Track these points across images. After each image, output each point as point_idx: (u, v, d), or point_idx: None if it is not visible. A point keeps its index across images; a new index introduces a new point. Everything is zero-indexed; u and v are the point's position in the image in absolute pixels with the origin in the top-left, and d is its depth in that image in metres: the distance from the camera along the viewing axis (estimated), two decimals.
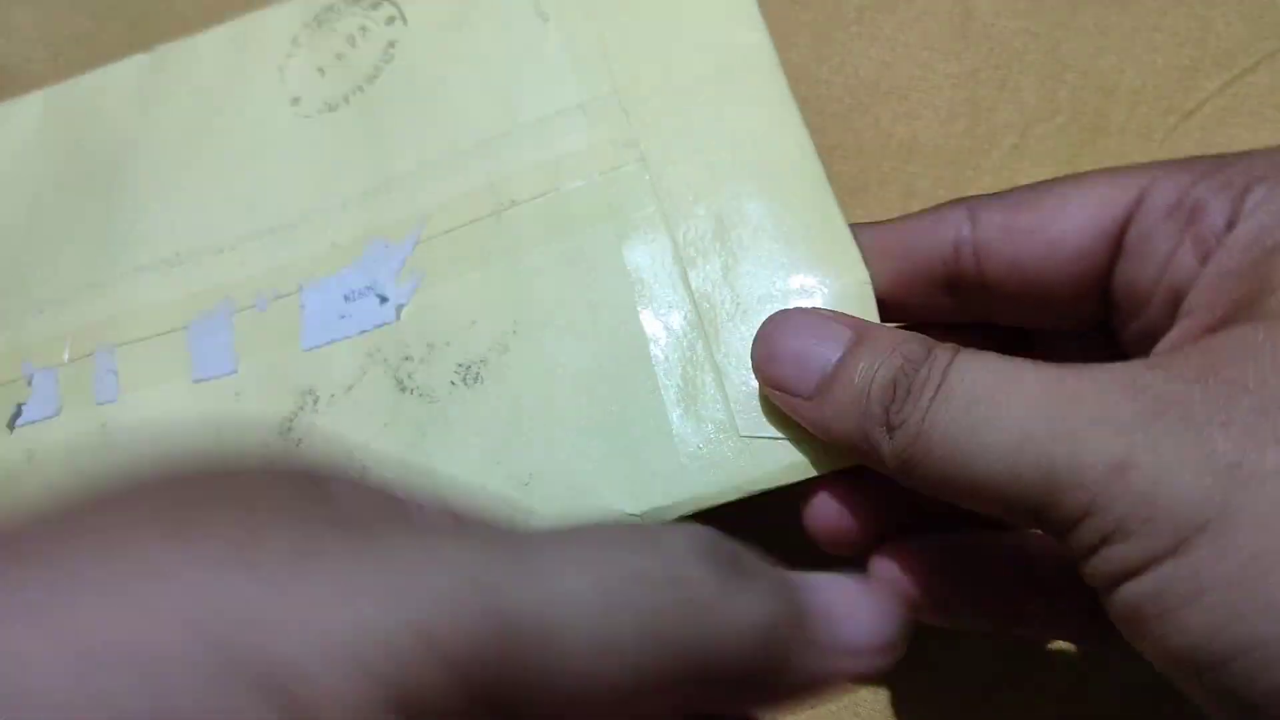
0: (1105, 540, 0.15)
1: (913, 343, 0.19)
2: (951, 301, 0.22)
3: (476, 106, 0.26)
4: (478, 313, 0.24)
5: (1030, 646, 0.25)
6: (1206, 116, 0.29)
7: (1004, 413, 0.17)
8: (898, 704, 0.25)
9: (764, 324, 0.21)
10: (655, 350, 0.22)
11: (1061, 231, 0.20)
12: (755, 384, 0.21)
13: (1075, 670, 0.25)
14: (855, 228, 0.22)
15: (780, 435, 0.21)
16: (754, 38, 0.24)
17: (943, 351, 0.18)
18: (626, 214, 0.24)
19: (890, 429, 0.18)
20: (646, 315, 0.23)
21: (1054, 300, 0.20)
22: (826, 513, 0.21)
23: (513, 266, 0.24)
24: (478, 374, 0.23)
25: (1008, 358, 0.18)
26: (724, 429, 0.21)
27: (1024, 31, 0.30)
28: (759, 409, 0.21)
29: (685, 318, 0.23)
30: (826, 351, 0.19)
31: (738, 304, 0.22)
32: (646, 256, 0.23)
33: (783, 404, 0.20)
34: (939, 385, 0.18)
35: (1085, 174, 0.20)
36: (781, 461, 0.21)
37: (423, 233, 0.25)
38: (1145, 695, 0.24)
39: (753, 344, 0.21)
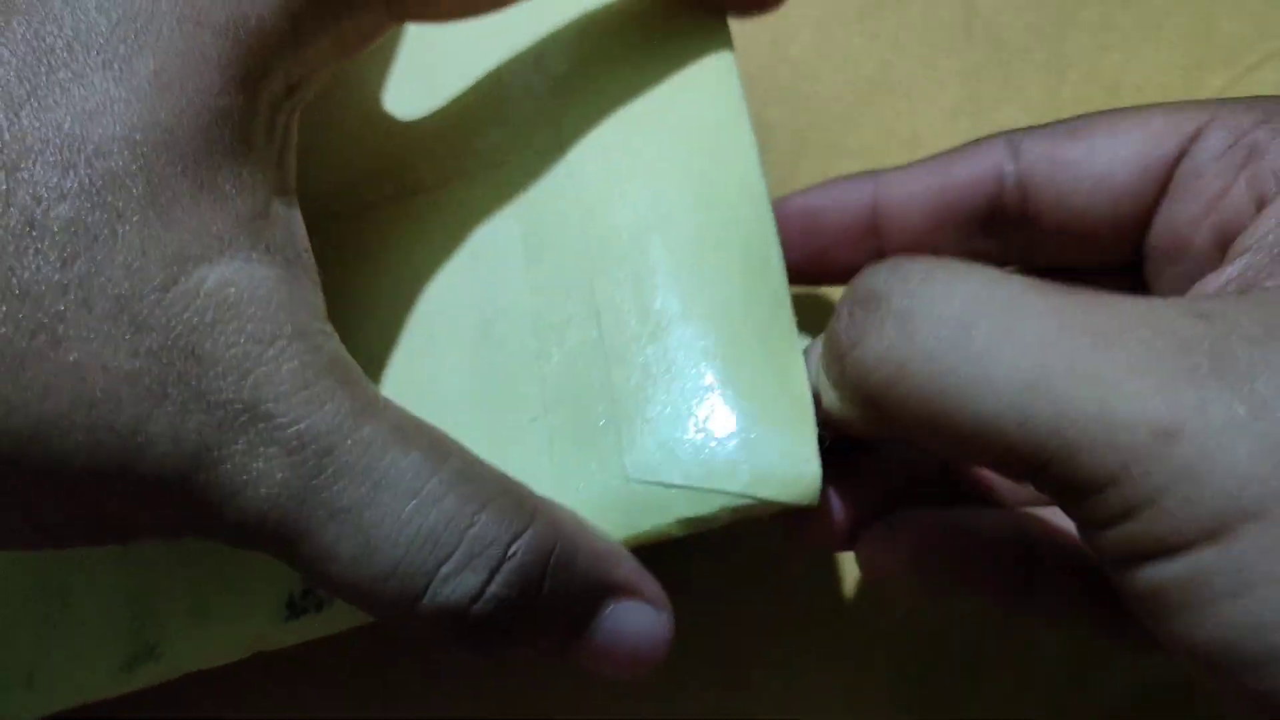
0: (1130, 513, 0.13)
1: (893, 261, 0.16)
2: (990, 243, 0.20)
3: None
4: (353, 317, 0.20)
5: (1022, 635, 0.25)
6: None
7: (1013, 340, 0.14)
8: (893, 697, 0.25)
9: None
10: (546, 372, 0.19)
11: (1109, 164, 0.19)
12: (654, 418, 0.18)
13: (1068, 665, 0.25)
14: (884, 173, 0.21)
15: (676, 484, 0.18)
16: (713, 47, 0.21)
17: (914, 266, 0.16)
18: (536, 211, 0.21)
19: (843, 352, 0.16)
20: (542, 331, 0.20)
21: (1097, 237, 0.19)
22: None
23: (402, 262, 0.21)
24: None
25: (1015, 275, 0.15)
26: (610, 469, 0.18)
27: (1027, 28, 0.30)
28: (657, 450, 0.18)
29: (584, 336, 0.19)
30: None
31: (645, 324, 0.19)
32: (553, 261, 0.20)
33: None
34: (915, 292, 0.15)
35: (1140, 107, 0.19)
36: (672, 514, 0.18)
37: None
38: (1145, 694, 0.24)
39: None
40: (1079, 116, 0.19)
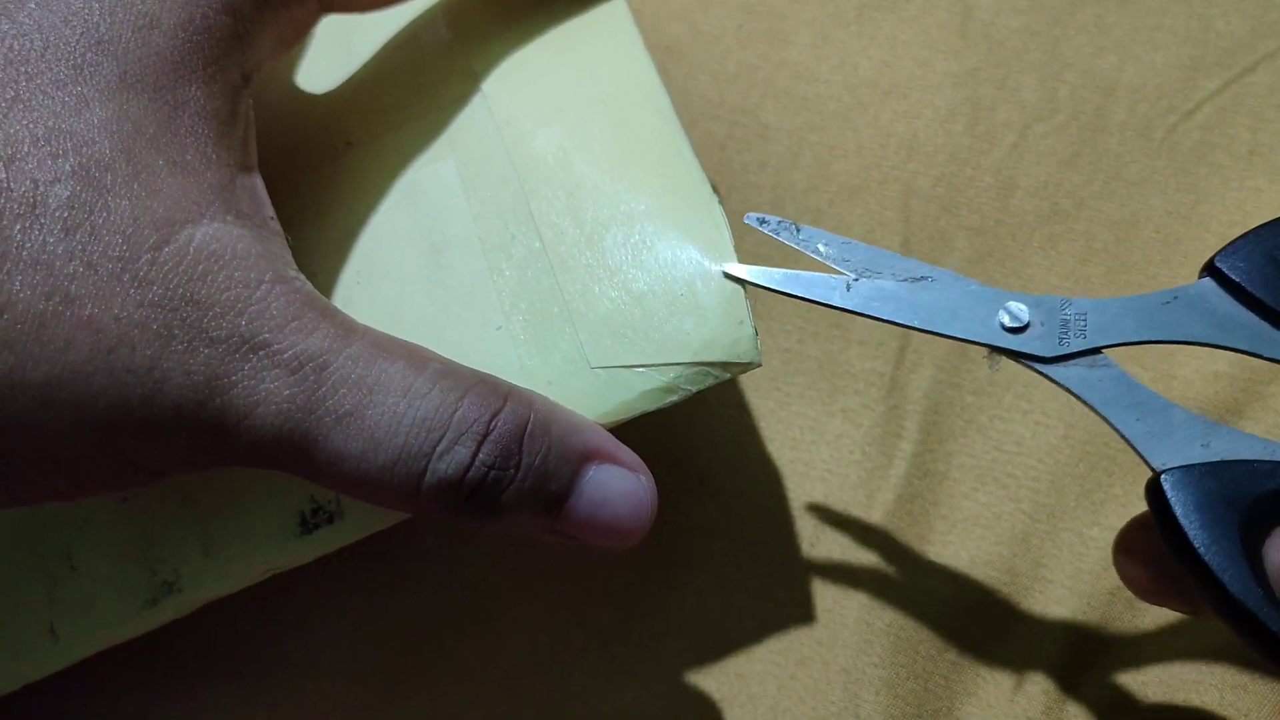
0: None
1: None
2: None
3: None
4: (318, 265, 0.23)
5: (1022, 635, 0.25)
6: (1207, 116, 0.29)
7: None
8: (893, 696, 0.25)
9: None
10: (501, 285, 0.22)
11: None
12: (604, 311, 0.21)
13: (1068, 664, 0.25)
14: None
15: (634, 364, 0.20)
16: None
17: None
18: (467, 149, 0.23)
19: None
20: (490, 251, 0.22)
21: None
22: (1130, 568, 0.20)
23: (351, 212, 0.23)
24: None
25: None
26: (573, 361, 0.21)
27: (1024, 30, 0.30)
28: (610, 338, 0.21)
29: (529, 249, 0.22)
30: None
31: (582, 230, 0.21)
32: (488, 190, 0.22)
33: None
34: None
35: None
36: (635, 389, 0.20)
37: None
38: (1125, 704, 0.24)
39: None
40: None
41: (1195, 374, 0.26)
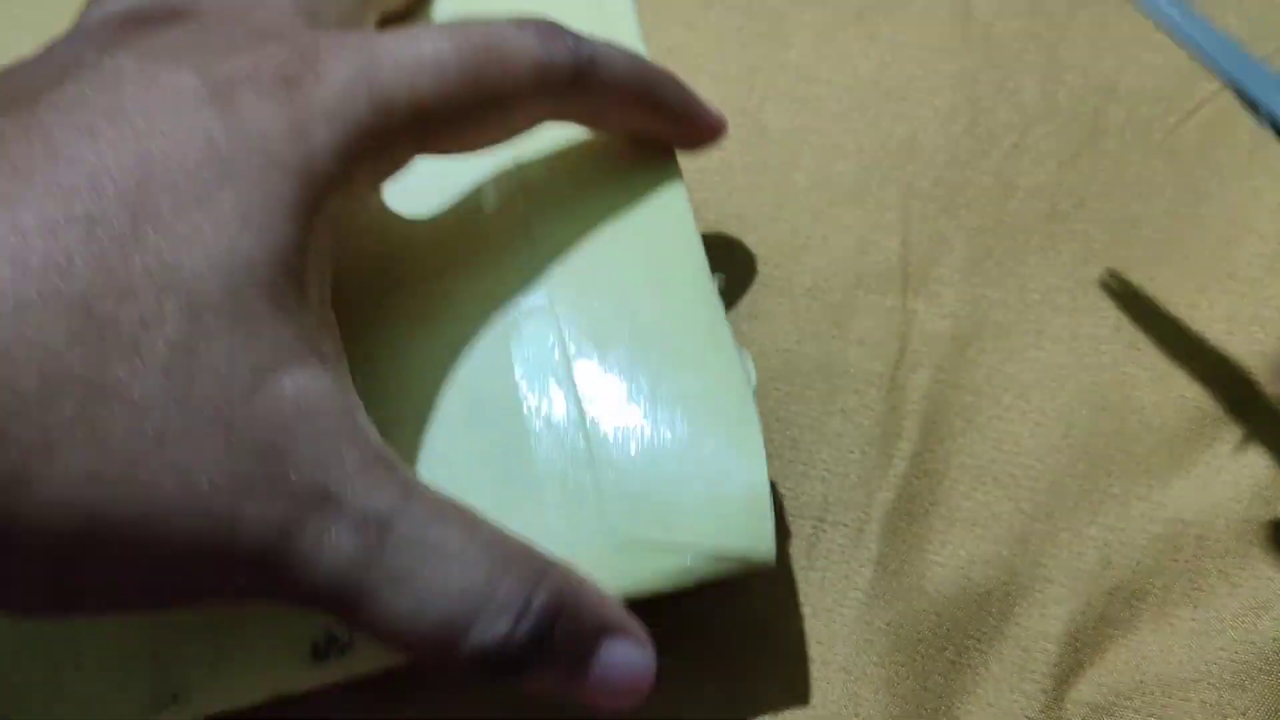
0: None
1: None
2: None
3: None
4: (371, 408, 0.22)
5: (1022, 634, 0.25)
6: (1206, 117, 0.29)
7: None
8: (893, 696, 0.25)
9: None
10: (537, 449, 0.22)
11: None
12: (632, 490, 0.21)
13: (1068, 663, 0.25)
14: None
15: (662, 539, 0.21)
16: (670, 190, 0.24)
17: None
18: (515, 303, 0.23)
19: None
20: (529, 412, 0.22)
21: None
22: None
23: (395, 357, 0.23)
24: None
25: None
26: (597, 534, 0.21)
27: (1023, 32, 0.30)
28: (635, 516, 0.21)
29: (568, 415, 0.22)
30: None
31: (620, 404, 0.22)
32: (533, 349, 0.23)
33: None
34: None
35: None
36: (652, 569, 0.21)
37: None
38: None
39: None
40: None
41: None
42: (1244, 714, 0.24)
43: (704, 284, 0.23)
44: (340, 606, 0.18)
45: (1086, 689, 0.24)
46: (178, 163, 0.17)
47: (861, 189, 0.29)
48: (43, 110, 0.17)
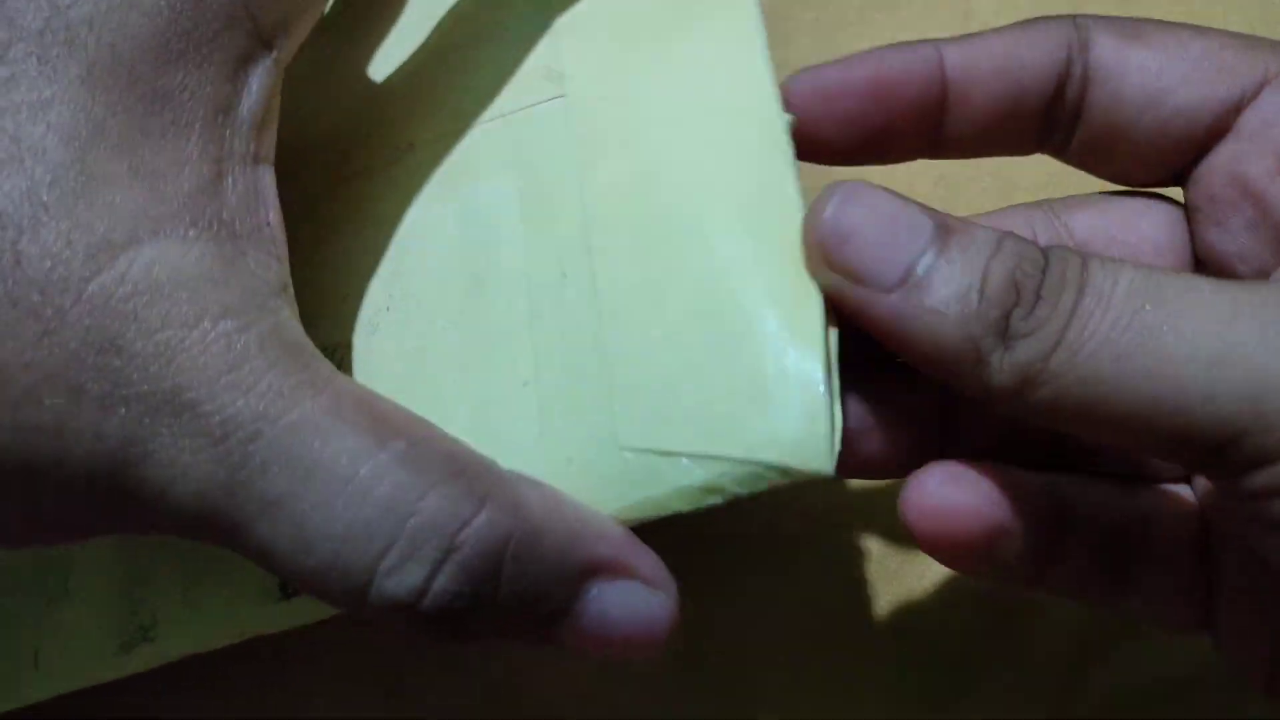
0: None
1: (1021, 241, 0.15)
2: (1043, 139, 0.19)
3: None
4: (353, 283, 0.20)
5: (1022, 634, 0.25)
6: None
7: (1192, 317, 0.14)
8: (893, 696, 0.25)
9: (830, 194, 0.16)
10: (539, 333, 0.18)
11: (1170, 81, 0.17)
12: (649, 382, 0.17)
13: (1068, 663, 0.25)
14: (946, 44, 0.19)
15: (673, 450, 0.16)
16: None
17: (1069, 252, 0.15)
18: (534, 166, 0.19)
19: (1011, 339, 0.15)
20: (535, 289, 0.18)
21: (1139, 152, 0.18)
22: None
23: (399, 226, 0.20)
24: (339, 361, 0.19)
25: (1154, 267, 0.15)
26: (600, 437, 0.17)
27: None
28: (650, 414, 0.17)
29: (579, 293, 0.18)
30: (915, 236, 0.15)
31: (645, 276, 0.18)
32: (548, 216, 0.19)
33: (850, 299, 0.16)
34: (1082, 286, 0.15)
35: (1212, 32, 0.18)
36: (669, 483, 0.16)
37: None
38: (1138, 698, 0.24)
39: (808, 222, 0.16)
40: (1147, 20, 0.18)
41: None
42: (1244, 714, 0.24)
43: (771, 118, 0.18)
44: (217, 539, 0.15)
45: (1089, 689, 0.24)
46: (21, 26, 0.15)
47: None
48: None
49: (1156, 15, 0.30)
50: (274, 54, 0.17)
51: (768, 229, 0.17)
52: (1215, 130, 0.18)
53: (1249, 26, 0.29)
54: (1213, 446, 0.14)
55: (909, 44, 0.20)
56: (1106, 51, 0.18)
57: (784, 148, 0.18)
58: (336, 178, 0.21)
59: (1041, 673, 0.25)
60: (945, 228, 0.15)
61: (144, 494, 0.15)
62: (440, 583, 0.15)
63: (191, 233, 0.15)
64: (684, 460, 0.16)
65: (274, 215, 0.17)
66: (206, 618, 0.20)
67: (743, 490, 0.16)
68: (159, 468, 0.14)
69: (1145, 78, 0.18)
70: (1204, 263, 0.19)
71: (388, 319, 0.19)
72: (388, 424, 0.15)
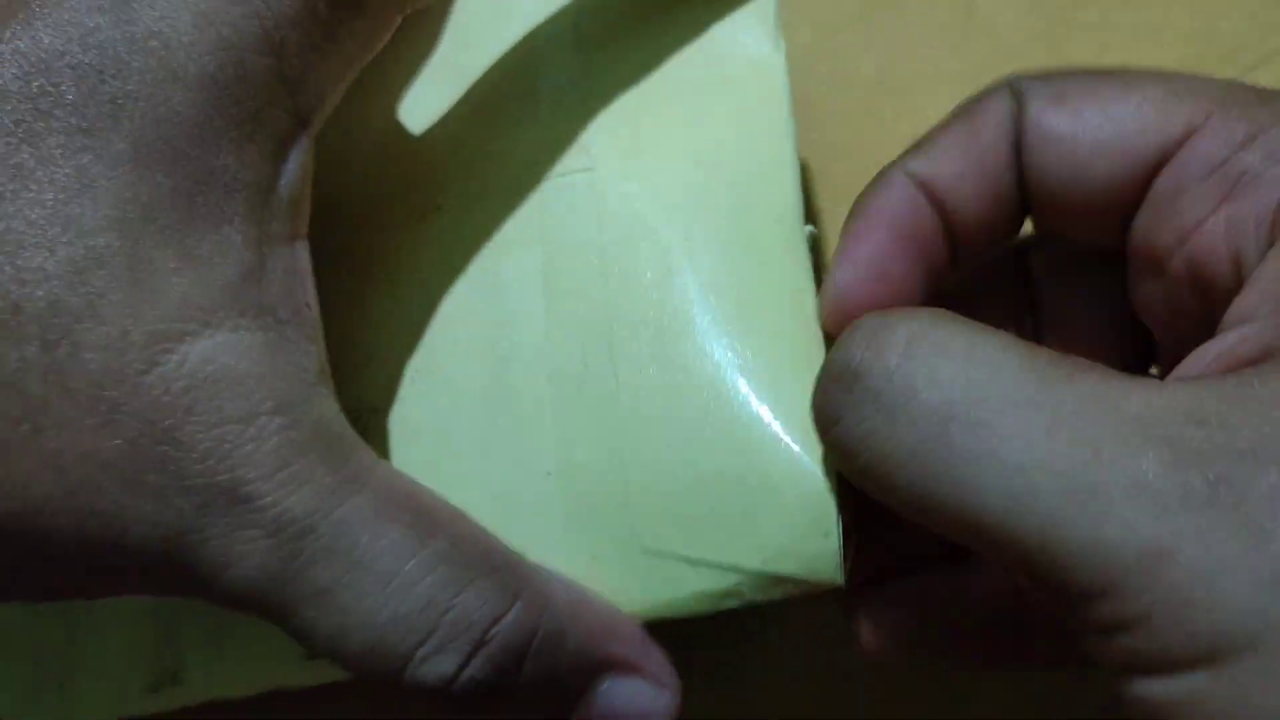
0: (1122, 627, 0.13)
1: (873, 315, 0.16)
2: (1019, 202, 0.18)
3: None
4: (382, 352, 0.20)
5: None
6: None
7: (999, 446, 0.13)
8: (893, 696, 0.25)
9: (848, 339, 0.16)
10: (562, 424, 0.18)
11: (1092, 146, 0.17)
12: (668, 488, 0.17)
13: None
14: (902, 167, 0.19)
15: (692, 557, 0.17)
16: (765, 49, 0.20)
17: (897, 328, 0.15)
18: (559, 241, 0.19)
19: (825, 426, 0.16)
20: (557, 379, 0.18)
21: (1079, 217, 0.18)
22: None
23: (427, 291, 0.20)
24: (365, 426, 0.19)
25: (1008, 344, 0.14)
26: (621, 537, 0.17)
27: (1026, 28, 0.30)
28: (669, 520, 0.17)
29: (601, 389, 0.18)
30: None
31: (664, 377, 0.18)
32: (572, 298, 0.19)
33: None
34: (894, 374, 0.14)
35: (1142, 75, 0.17)
36: (688, 588, 0.17)
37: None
38: None
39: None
40: (1079, 72, 0.17)
41: None
42: None
43: (794, 235, 0.18)
44: (267, 617, 0.16)
45: (1091, 689, 0.24)
46: (65, 94, 0.14)
47: (862, 188, 0.29)
48: None
49: (1157, 18, 0.30)
50: (309, 130, 0.17)
51: (784, 340, 0.18)
52: (1135, 197, 0.17)
53: (1249, 26, 0.29)
54: (1024, 570, 0.14)
55: (885, 185, 0.19)
56: (1035, 122, 0.17)
57: (803, 260, 0.18)
58: (363, 230, 0.21)
59: (1042, 675, 0.25)
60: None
61: (196, 575, 0.15)
62: (469, 672, 0.15)
63: (242, 321, 0.15)
64: (704, 568, 0.17)
65: (311, 295, 0.17)
66: (232, 667, 0.20)
67: (759, 598, 0.17)
68: (213, 554, 0.15)
69: (1065, 149, 0.17)
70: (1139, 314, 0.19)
71: (413, 391, 0.19)
72: (430, 519, 0.16)
